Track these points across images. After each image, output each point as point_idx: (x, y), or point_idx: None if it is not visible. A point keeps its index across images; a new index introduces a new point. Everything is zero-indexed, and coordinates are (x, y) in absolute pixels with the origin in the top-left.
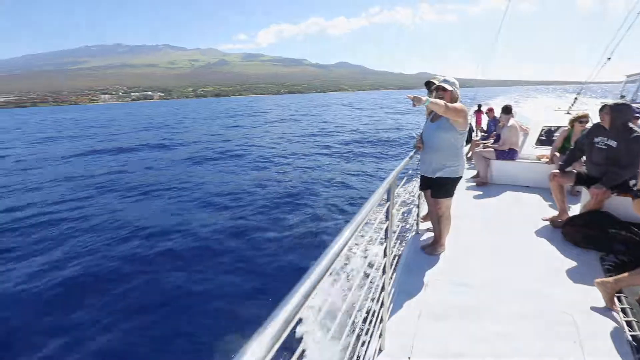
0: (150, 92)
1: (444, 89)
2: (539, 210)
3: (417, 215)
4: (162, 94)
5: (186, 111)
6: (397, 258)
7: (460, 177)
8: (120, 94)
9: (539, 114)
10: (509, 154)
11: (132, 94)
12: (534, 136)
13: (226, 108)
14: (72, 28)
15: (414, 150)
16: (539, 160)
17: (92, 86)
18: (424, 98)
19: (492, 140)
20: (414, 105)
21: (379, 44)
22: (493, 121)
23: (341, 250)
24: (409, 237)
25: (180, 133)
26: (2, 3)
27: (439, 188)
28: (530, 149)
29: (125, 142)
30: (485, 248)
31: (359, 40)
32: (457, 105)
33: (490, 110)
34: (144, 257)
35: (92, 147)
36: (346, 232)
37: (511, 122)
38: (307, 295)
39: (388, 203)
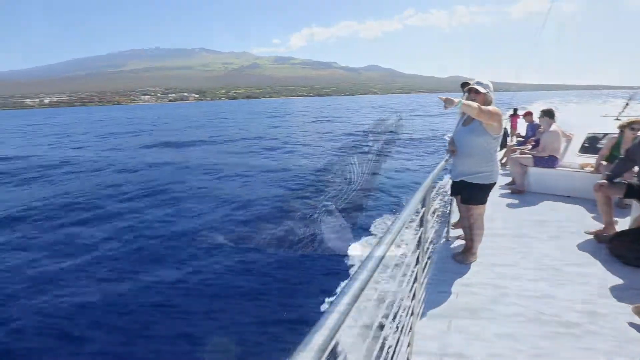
0: (186, 94)
1: (477, 92)
2: (581, 222)
3: (449, 222)
4: (197, 96)
5: (225, 112)
6: (427, 265)
7: (494, 184)
8: (159, 95)
9: (584, 119)
10: (549, 161)
11: (169, 95)
12: (578, 143)
13: (261, 109)
14: (116, 33)
15: (449, 155)
16: (583, 169)
17: (132, 87)
18: (456, 100)
19: (530, 146)
20: (445, 107)
21: (412, 47)
22: (531, 126)
23: (377, 265)
24: (440, 244)
25: (227, 131)
26: (54, 12)
27: (470, 194)
28: (573, 157)
29: (183, 138)
30: (521, 260)
31: (391, 43)
32: (491, 108)
33: (528, 114)
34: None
35: (157, 141)
36: (385, 241)
37: (553, 127)
38: (354, 300)
39: (423, 209)
